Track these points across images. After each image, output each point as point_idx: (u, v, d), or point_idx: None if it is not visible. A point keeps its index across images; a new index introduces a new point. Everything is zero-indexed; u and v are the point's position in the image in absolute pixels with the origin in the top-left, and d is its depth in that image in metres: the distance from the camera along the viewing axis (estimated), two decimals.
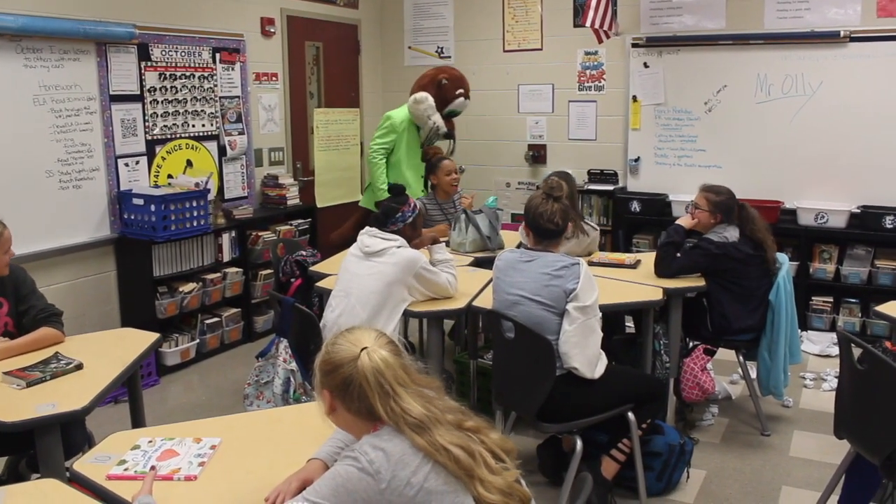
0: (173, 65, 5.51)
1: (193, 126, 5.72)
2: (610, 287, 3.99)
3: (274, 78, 6.42)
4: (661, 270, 4.07)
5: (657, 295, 3.89)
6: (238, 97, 6.06)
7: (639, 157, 6.55)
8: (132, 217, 5.15)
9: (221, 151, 5.96)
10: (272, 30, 6.33)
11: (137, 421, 3.35)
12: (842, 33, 5.74)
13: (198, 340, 5.48)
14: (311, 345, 3.44)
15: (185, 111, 5.64)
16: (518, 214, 6.87)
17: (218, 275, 5.59)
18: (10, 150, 4.56)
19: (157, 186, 5.40)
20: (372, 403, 1.79)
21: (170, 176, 5.54)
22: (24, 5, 4.53)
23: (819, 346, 5.51)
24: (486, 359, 4.43)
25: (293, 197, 6.33)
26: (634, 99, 6.51)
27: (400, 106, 5.92)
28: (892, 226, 5.55)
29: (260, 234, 5.93)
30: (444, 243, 3.91)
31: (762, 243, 4.11)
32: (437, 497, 1.74)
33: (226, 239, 5.64)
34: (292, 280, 4.73)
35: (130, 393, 3.36)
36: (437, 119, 5.79)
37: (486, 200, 5.03)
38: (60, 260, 4.90)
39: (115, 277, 5.25)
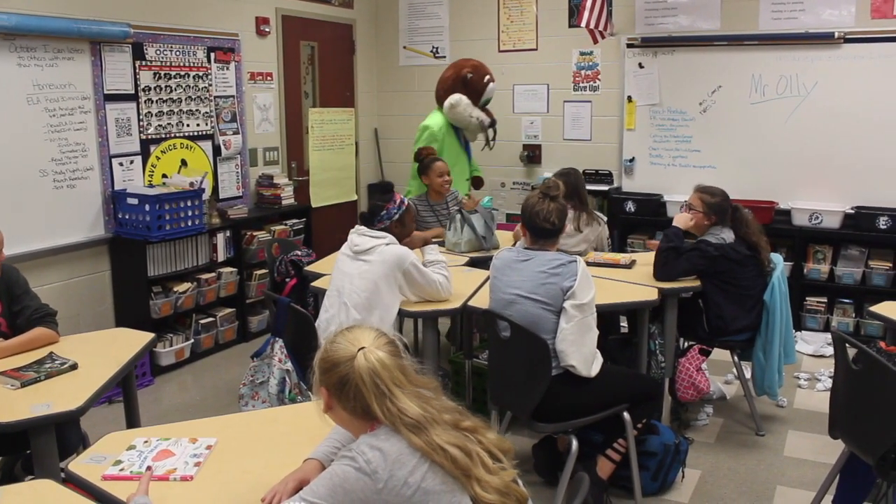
0: (168, 64, 5.50)
1: (188, 126, 5.71)
2: (605, 287, 4.00)
3: (269, 77, 6.41)
4: (663, 274, 4.07)
5: (652, 295, 3.89)
6: (233, 97, 6.05)
7: (634, 158, 6.56)
8: (127, 217, 5.14)
9: (216, 151, 5.95)
10: (267, 29, 6.32)
11: (132, 421, 3.35)
12: (836, 34, 5.76)
13: (192, 340, 5.47)
14: (306, 345, 3.44)
15: (180, 111, 5.63)
16: (513, 214, 6.89)
17: (212, 275, 5.58)
18: (3, 149, 4.54)
19: (151, 186, 5.39)
20: (368, 403, 1.79)
21: (164, 175, 5.53)
22: (17, 4, 4.51)
23: (813, 347, 5.52)
24: (481, 359, 4.44)
25: (288, 197, 6.32)
26: (629, 99, 6.52)
27: (431, 113, 5.80)
28: (885, 226, 5.56)
29: (255, 233, 5.92)
30: (436, 245, 3.87)
31: (756, 245, 4.12)
32: (434, 497, 1.74)
33: (220, 239, 5.63)
34: (287, 280, 4.72)
35: (125, 393, 3.35)
36: (478, 114, 5.71)
37: (482, 200, 5.03)
38: (54, 260, 4.88)
39: (109, 277, 5.24)
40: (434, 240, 4.92)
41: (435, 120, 5.69)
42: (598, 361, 3.30)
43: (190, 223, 5.28)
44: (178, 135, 5.63)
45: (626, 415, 3.33)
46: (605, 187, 6.56)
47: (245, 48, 6.13)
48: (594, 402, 3.29)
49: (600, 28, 6.04)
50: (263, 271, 5.89)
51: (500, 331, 3.32)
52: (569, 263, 3.24)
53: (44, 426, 2.59)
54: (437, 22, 7.30)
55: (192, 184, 5.39)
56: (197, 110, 5.76)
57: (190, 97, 5.69)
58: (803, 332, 5.76)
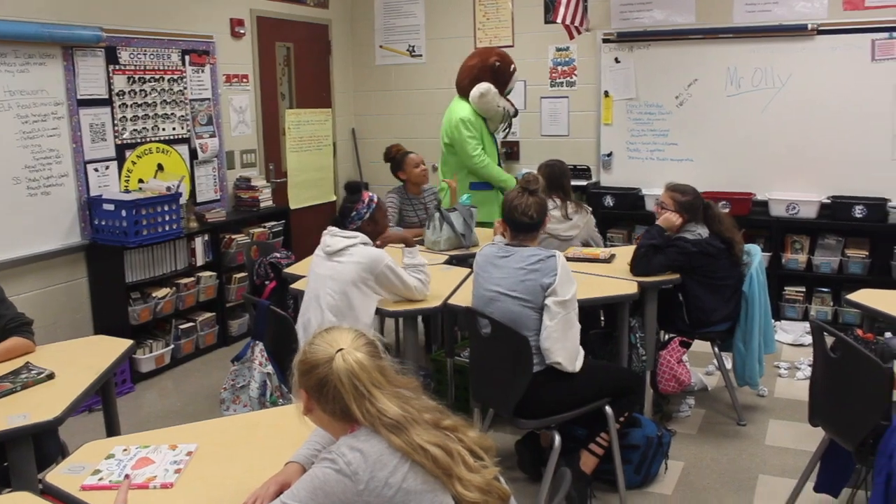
0: (142, 68, 5.46)
1: (164, 129, 5.66)
2: (585, 281, 3.99)
3: (244, 79, 6.38)
4: (639, 269, 4.08)
5: (632, 289, 3.90)
6: (209, 99, 6.01)
7: (611, 152, 6.58)
8: (103, 223, 5.09)
9: (193, 154, 5.91)
10: (242, 31, 6.29)
11: (112, 429, 3.31)
12: (809, 26, 5.81)
13: (172, 346, 5.43)
14: (286, 347, 3.41)
15: (155, 114, 5.59)
16: None
17: (191, 279, 5.55)
18: None
19: (127, 191, 5.34)
20: (347, 405, 1.78)
21: (141, 180, 5.49)
22: None
23: (792, 336, 5.56)
24: (462, 356, 4.43)
25: (266, 199, 6.29)
26: (606, 94, 6.54)
27: (456, 103, 5.63)
28: (861, 215, 5.62)
29: (233, 237, 5.89)
30: (416, 247, 3.82)
31: (731, 240, 4.15)
32: (415, 497, 1.73)
33: (199, 243, 5.60)
34: (266, 282, 4.70)
35: (104, 401, 3.31)
36: (505, 103, 5.58)
37: (460, 198, 5.02)
38: (30, 268, 4.83)
39: (86, 284, 5.19)
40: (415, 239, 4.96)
41: (465, 110, 5.50)
42: (581, 356, 3.30)
43: (167, 228, 5.25)
44: (153, 139, 5.59)
45: (608, 409, 3.34)
46: (583, 182, 6.57)
47: (220, 50, 6.09)
48: (576, 398, 3.30)
49: (576, 23, 6.05)
50: (243, 274, 5.86)
51: (480, 328, 3.32)
52: (548, 259, 3.24)
53: (21, 437, 2.56)
54: (412, 20, 7.29)
55: (168, 188, 5.35)
56: (172, 114, 5.72)
57: (165, 101, 5.65)
58: (783, 321, 5.81)
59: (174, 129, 5.75)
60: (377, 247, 3.67)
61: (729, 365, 4.44)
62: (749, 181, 6.11)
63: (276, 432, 2.46)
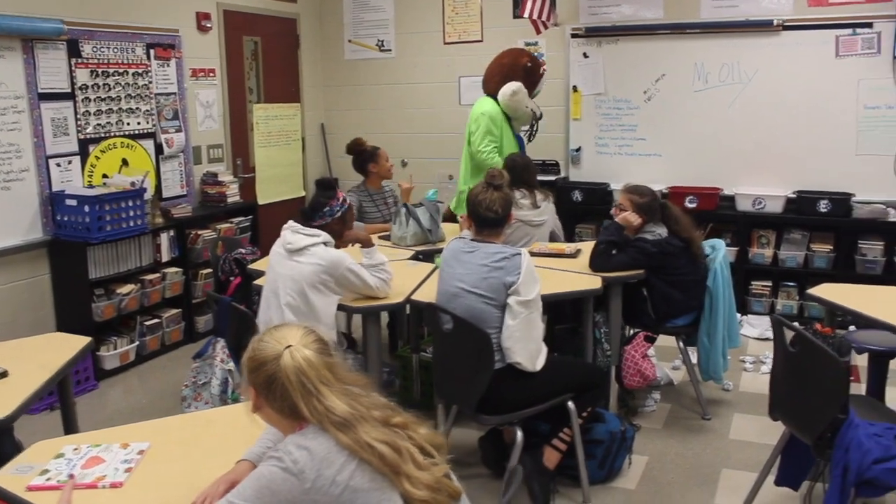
0: (106, 61, 5.38)
1: (128, 124, 5.59)
2: (550, 277, 4.01)
3: (211, 74, 6.31)
4: (597, 265, 4.09)
5: (595, 284, 3.90)
6: (174, 94, 5.94)
7: (580, 147, 6.59)
8: (66, 218, 5.02)
9: (158, 149, 5.84)
10: (208, 24, 6.22)
11: (70, 428, 3.27)
12: (775, 22, 5.84)
13: (137, 343, 5.37)
14: (247, 344, 3.38)
15: (120, 109, 5.52)
16: None
17: (157, 275, 5.49)
18: None
19: (91, 186, 5.27)
20: (295, 402, 1.76)
21: (105, 176, 5.41)
22: None
23: (758, 330, 5.60)
24: (428, 352, 4.42)
25: (233, 194, 6.23)
26: (575, 89, 6.55)
27: (481, 100, 5.54)
28: (825, 210, 5.67)
29: (200, 232, 5.83)
30: (374, 246, 3.77)
31: (689, 239, 4.16)
32: (363, 495, 1.72)
33: (164, 239, 5.54)
34: (231, 278, 4.67)
35: (61, 399, 3.28)
36: (532, 105, 5.50)
37: (426, 193, 5.01)
38: None
39: (49, 281, 5.12)
40: (379, 235, 4.94)
41: (490, 106, 5.42)
42: (543, 354, 3.30)
43: (132, 223, 5.18)
44: (118, 134, 5.52)
45: (570, 404, 3.34)
46: (552, 177, 6.57)
47: (186, 44, 6.03)
48: (538, 394, 3.30)
49: (543, 18, 6.05)
50: (209, 270, 5.79)
51: (442, 323, 3.31)
52: (512, 257, 3.23)
53: None
54: (381, 15, 7.24)
55: (133, 183, 5.29)
56: (137, 108, 5.66)
57: (130, 95, 5.58)
58: (749, 315, 5.85)
59: (139, 123, 5.68)
60: (336, 247, 3.63)
61: (694, 359, 4.46)
62: (716, 176, 6.14)
63: (231, 430, 2.43)
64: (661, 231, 4.18)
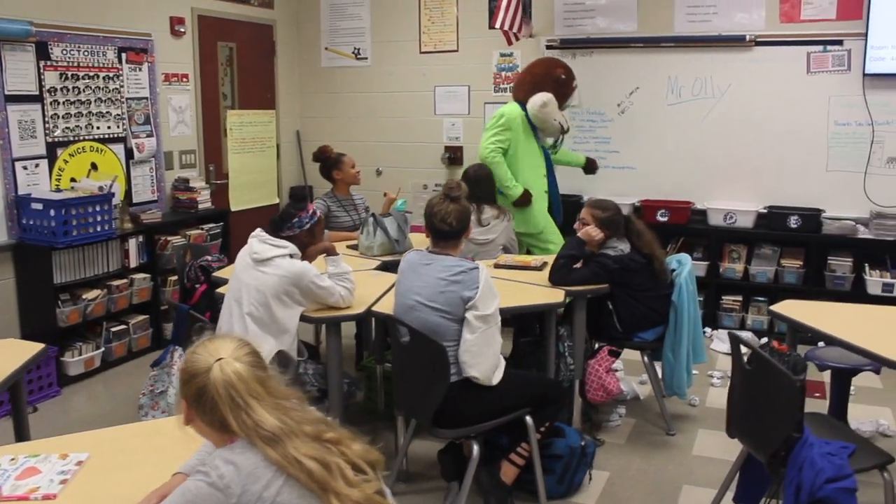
0: (75, 64, 5.34)
1: (98, 128, 5.55)
2: (513, 289, 3.99)
3: (185, 79, 6.28)
4: (557, 279, 4.07)
5: (558, 297, 3.88)
6: (146, 98, 5.90)
7: None
8: (31, 222, 4.97)
9: (129, 154, 5.80)
10: (182, 29, 6.19)
11: (22, 436, 3.23)
12: (747, 37, 5.87)
13: (103, 349, 5.32)
14: None
15: (90, 112, 5.47)
16: None
17: (124, 281, 5.44)
18: None
19: (58, 190, 5.22)
20: (224, 416, 1.73)
21: (73, 180, 5.37)
22: None
23: (728, 345, 5.57)
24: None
25: (204, 200, 6.19)
26: None
27: (508, 104, 5.48)
28: (796, 225, 5.69)
29: (169, 238, 5.79)
30: (339, 255, 3.75)
31: (651, 255, 4.15)
32: None
33: (132, 244, 5.49)
34: (197, 286, 4.63)
35: (13, 407, 3.23)
36: (560, 117, 5.41)
37: (395, 203, 4.98)
38: None
39: (13, 285, 5.06)
40: (347, 243, 4.92)
41: (513, 109, 5.35)
42: (501, 368, 3.27)
43: (99, 228, 5.14)
44: (87, 137, 5.47)
45: (528, 419, 3.32)
46: None
47: (159, 49, 5.99)
48: (496, 408, 3.27)
49: (514, 30, 6.04)
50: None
51: (400, 336, 3.29)
52: (470, 271, 3.20)
53: None
54: (358, 23, 7.23)
55: (101, 188, 5.25)
56: (108, 112, 5.61)
57: (100, 99, 5.54)
58: (719, 330, 5.84)
59: (109, 127, 5.63)
60: (302, 258, 3.60)
61: (661, 374, 4.45)
62: (688, 190, 6.16)
63: (175, 441, 2.37)
64: (624, 246, 4.17)
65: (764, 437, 2.94)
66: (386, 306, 3.67)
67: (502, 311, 3.33)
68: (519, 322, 4.71)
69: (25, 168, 5.07)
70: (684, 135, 6.15)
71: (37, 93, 5.10)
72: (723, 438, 4.13)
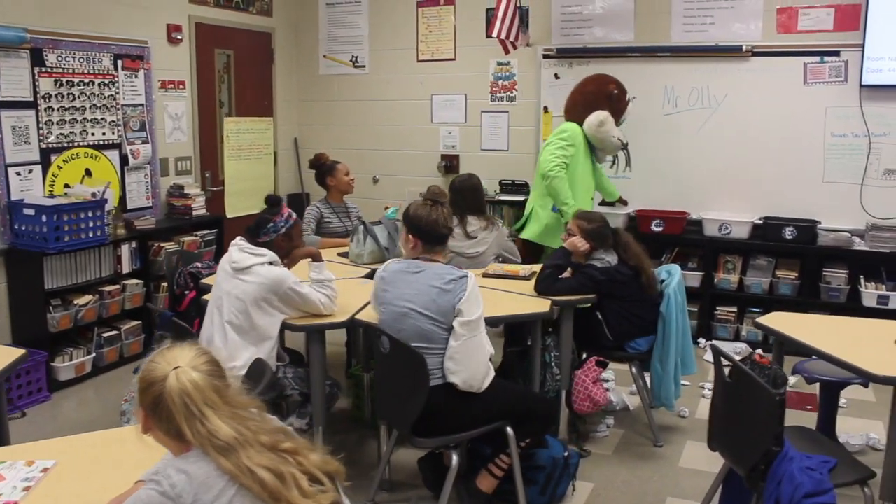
0: (70, 71, 5.36)
1: (93, 134, 5.56)
2: (500, 299, 3.98)
3: (181, 86, 6.29)
4: (542, 288, 4.05)
5: (544, 307, 3.86)
6: (142, 105, 5.92)
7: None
8: (23, 228, 4.98)
9: (124, 161, 5.81)
10: (179, 37, 6.20)
11: (2, 440, 3.22)
12: (744, 48, 5.85)
13: (94, 354, 5.32)
14: None
15: (84, 119, 5.49)
16: None
17: (117, 287, 5.44)
18: None
19: (52, 196, 5.23)
20: (179, 424, 1.72)
21: (66, 186, 5.38)
22: None
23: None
24: None
25: (199, 207, 6.19)
26: (546, 110, 6.54)
27: (565, 124, 5.39)
28: (791, 237, 5.66)
29: (163, 245, 5.79)
30: (323, 262, 3.73)
31: (638, 268, 4.13)
32: None
33: (125, 250, 5.50)
34: (186, 292, 4.62)
35: None
36: (619, 134, 5.31)
37: (386, 212, 4.98)
38: None
39: (5, 290, 5.07)
40: (338, 251, 4.91)
41: (574, 128, 5.26)
42: (490, 377, 3.25)
43: (91, 234, 5.15)
44: (81, 143, 5.49)
45: (509, 430, 3.29)
46: (521, 197, 6.53)
47: (155, 56, 6.00)
48: (478, 417, 3.25)
49: (511, 39, 6.04)
50: None
51: (381, 345, 3.28)
52: (460, 279, 3.20)
53: None
54: (356, 31, 7.24)
55: (94, 194, 5.26)
56: (103, 119, 5.62)
57: (95, 105, 5.56)
58: (714, 341, 5.79)
59: (104, 134, 5.65)
60: (285, 265, 3.60)
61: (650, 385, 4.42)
62: (684, 200, 6.13)
63: (142, 448, 2.35)
64: (611, 258, 4.15)
65: (744, 450, 2.92)
66: (369, 315, 3.66)
67: (489, 321, 3.33)
68: (509, 332, 4.70)
69: (19, 174, 5.08)
70: (680, 145, 6.13)
71: (31, 99, 5.11)
72: (710, 450, 4.14)
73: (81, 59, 5.43)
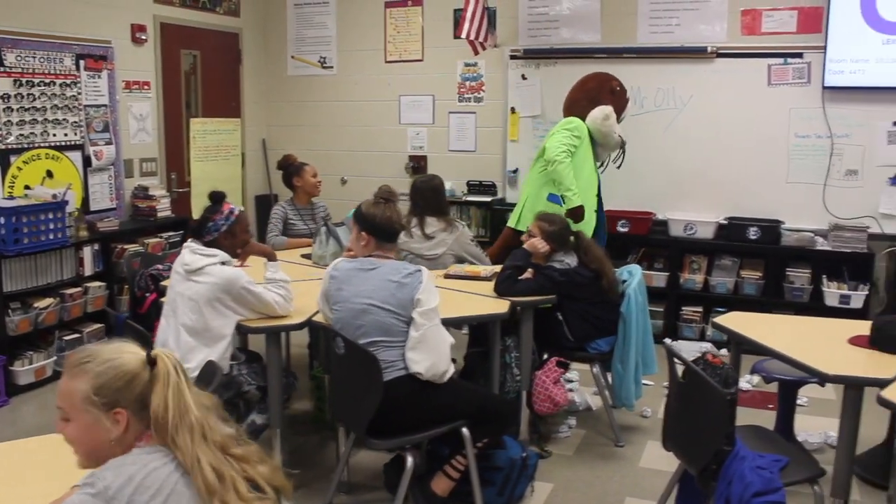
0: (31, 71, 5.30)
1: (54, 135, 5.50)
2: (459, 299, 3.97)
3: (146, 87, 6.24)
4: (501, 289, 4.04)
5: (502, 308, 3.85)
6: (106, 106, 5.86)
7: (517, 169, 6.58)
8: None
9: (86, 162, 5.75)
10: (143, 37, 6.15)
11: None
12: (709, 49, 5.89)
13: (55, 358, 5.25)
14: None
15: (45, 119, 5.43)
16: None
17: (78, 289, 5.38)
18: None
19: (11, 198, 5.17)
20: (166, 403, 1.69)
21: (27, 187, 5.31)
22: None
23: (687, 356, 5.56)
24: None
25: (164, 209, 6.15)
26: (513, 111, 6.55)
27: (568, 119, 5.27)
28: (755, 237, 5.69)
29: (126, 247, 5.73)
30: (278, 262, 3.72)
31: (598, 270, 4.13)
32: None
33: (87, 252, 5.44)
34: (147, 294, 4.59)
35: None
36: (620, 131, 5.24)
37: (349, 213, 4.94)
38: None
39: None
40: (301, 252, 4.89)
41: (579, 122, 5.14)
42: (451, 369, 3.24)
43: (51, 236, 5.09)
44: (42, 144, 5.43)
45: (464, 430, 3.28)
46: (488, 198, 6.55)
47: (119, 56, 5.95)
48: (434, 415, 3.24)
49: (480, 39, 6.04)
50: None
51: (336, 347, 3.26)
52: (415, 272, 3.25)
53: None
54: (324, 32, 7.22)
55: (54, 196, 5.20)
56: (65, 119, 5.57)
57: (56, 106, 5.50)
58: (679, 341, 5.83)
59: (66, 135, 5.59)
60: (238, 259, 3.58)
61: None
62: (650, 201, 6.15)
63: None
64: (571, 260, 4.16)
65: (696, 450, 2.93)
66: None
67: (450, 321, 3.33)
68: (473, 333, 4.68)
69: None
70: (646, 145, 6.13)
71: None
72: (665, 450, 4.15)
73: (42, 59, 5.37)
